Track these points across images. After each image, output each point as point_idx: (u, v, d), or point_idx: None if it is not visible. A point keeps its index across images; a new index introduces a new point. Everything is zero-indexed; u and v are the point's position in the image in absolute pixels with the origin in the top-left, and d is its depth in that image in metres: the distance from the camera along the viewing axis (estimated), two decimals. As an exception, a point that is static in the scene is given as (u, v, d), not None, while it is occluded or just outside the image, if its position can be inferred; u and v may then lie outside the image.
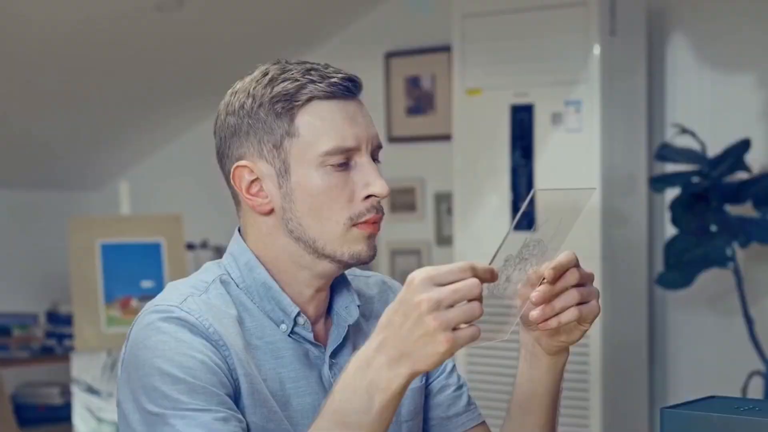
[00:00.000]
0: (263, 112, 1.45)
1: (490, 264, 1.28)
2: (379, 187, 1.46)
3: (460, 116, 4.19)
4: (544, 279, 1.37)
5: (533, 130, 4.00)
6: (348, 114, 1.46)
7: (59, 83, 4.77)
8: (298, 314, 1.49)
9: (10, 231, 5.52)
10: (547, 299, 1.37)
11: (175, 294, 1.45)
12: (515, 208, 4.05)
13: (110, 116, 5.22)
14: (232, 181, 1.49)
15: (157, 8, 4.29)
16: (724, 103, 4.08)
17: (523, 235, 1.39)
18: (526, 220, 1.39)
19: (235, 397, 1.40)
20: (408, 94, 4.92)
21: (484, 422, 1.69)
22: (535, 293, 1.36)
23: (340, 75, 1.47)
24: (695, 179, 3.74)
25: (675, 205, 3.72)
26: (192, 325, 1.40)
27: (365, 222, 1.47)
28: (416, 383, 1.60)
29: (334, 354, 1.52)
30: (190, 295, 1.45)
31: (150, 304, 1.45)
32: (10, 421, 4.49)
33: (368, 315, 1.61)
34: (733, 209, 3.76)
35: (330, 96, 1.45)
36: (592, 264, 3.91)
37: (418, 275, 1.22)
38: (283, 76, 1.46)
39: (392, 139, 4.92)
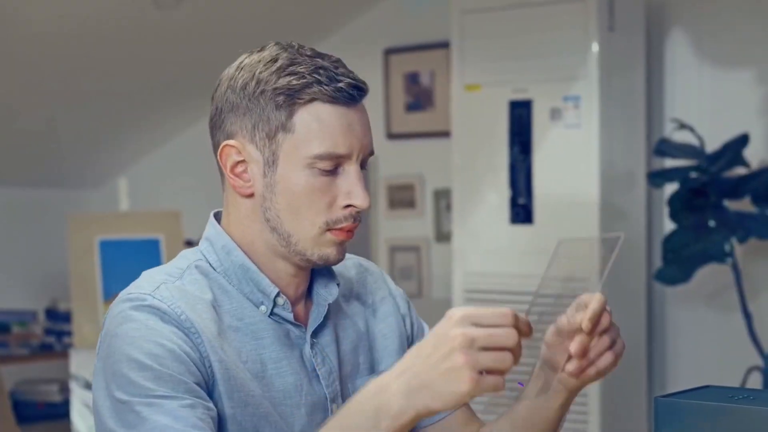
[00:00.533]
0: (264, 99, 1.45)
1: (526, 316, 1.26)
2: (360, 199, 1.46)
3: (459, 112, 4.19)
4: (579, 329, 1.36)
5: (532, 125, 4.00)
6: (347, 121, 1.45)
7: (58, 82, 4.77)
8: (278, 295, 1.49)
9: (10, 229, 5.53)
10: (587, 350, 1.37)
11: (149, 282, 1.46)
12: (514, 204, 4.04)
13: (110, 115, 5.22)
14: (218, 157, 1.49)
15: (156, 6, 4.29)
16: (722, 99, 4.08)
17: (553, 284, 1.38)
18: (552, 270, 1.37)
19: (209, 384, 1.40)
20: (407, 90, 4.92)
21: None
22: (575, 346, 1.36)
23: (347, 80, 1.46)
24: (694, 174, 3.74)
25: (673, 200, 3.72)
26: (164, 313, 1.40)
27: (340, 229, 1.47)
28: (399, 356, 1.61)
29: (315, 334, 1.53)
30: (163, 282, 1.45)
31: (123, 293, 1.45)
32: (9, 418, 4.48)
33: (348, 296, 1.62)
34: (731, 204, 3.76)
35: (333, 101, 1.45)
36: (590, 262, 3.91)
37: (457, 312, 1.21)
38: (291, 68, 1.45)
39: (391, 136, 4.93)
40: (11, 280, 5.49)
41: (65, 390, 4.94)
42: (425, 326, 1.71)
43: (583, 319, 1.34)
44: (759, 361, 3.75)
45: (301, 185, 1.45)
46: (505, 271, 4.08)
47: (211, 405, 1.38)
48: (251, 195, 1.48)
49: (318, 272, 1.56)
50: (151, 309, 1.40)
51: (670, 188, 3.87)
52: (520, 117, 4.03)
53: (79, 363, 4.22)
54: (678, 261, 3.72)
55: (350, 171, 1.46)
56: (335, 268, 1.59)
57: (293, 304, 1.52)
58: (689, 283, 3.84)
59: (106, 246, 4.30)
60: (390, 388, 1.22)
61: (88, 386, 4.17)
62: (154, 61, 4.85)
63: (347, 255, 1.63)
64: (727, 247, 3.71)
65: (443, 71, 4.69)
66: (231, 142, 1.48)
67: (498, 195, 4.08)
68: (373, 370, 1.59)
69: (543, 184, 3.99)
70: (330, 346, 1.54)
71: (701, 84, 4.13)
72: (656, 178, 3.80)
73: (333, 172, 1.46)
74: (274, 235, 1.48)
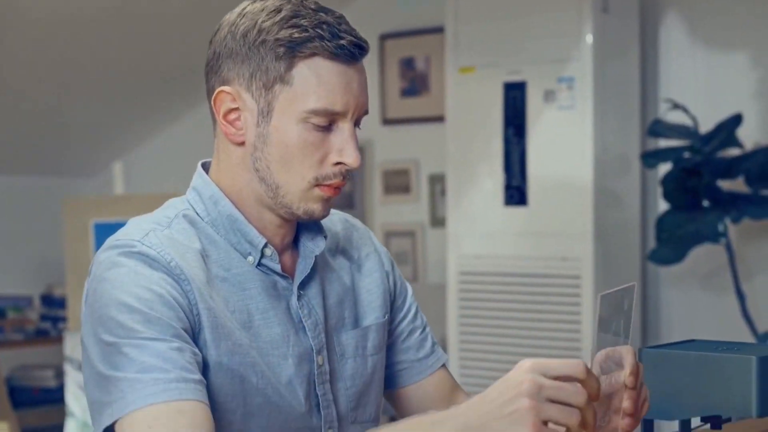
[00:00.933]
0: (264, 49, 1.44)
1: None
2: (352, 158, 1.46)
3: (453, 95, 4.19)
4: (626, 386, 1.33)
5: (526, 107, 4.00)
6: (345, 79, 1.45)
7: (53, 69, 4.77)
8: (265, 245, 1.49)
9: (7, 215, 5.53)
10: (637, 406, 1.36)
11: (137, 229, 1.45)
12: (508, 186, 4.05)
13: (105, 102, 5.22)
14: (212, 102, 1.49)
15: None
16: (717, 82, 4.08)
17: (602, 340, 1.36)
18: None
19: (196, 332, 1.40)
20: (402, 75, 4.92)
21: (445, 364, 1.71)
22: (629, 404, 1.33)
23: (349, 38, 1.46)
24: (687, 154, 3.74)
25: (667, 180, 3.72)
26: (153, 260, 1.39)
27: (328, 185, 1.47)
28: (380, 318, 1.61)
29: (302, 286, 1.53)
30: (152, 230, 1.44)
31: (110, 240, 1.44)
32: (5, 403, 4.49)
33: (334, 251, 1.62)
34: (725, 185, 3.76)
35: (333, 57, 1.44)
36: (584, 244, 3.94)
37: (528, 361, 1.18)
38: (294, 20, 1.45)
39: (387, 121, 4.93)
40: (7, 266, 5.50)
41: (60, 375, 4.94)
42: (408, 287, 1.72)
43: (626, 375, 1.33)
44: (752, 341, 3.76)
45: (294, 139, 1.44)
46: (499, 253, 4.08)
47: (197, 351, 1.37)
48: (242, 143, 1.48)
49: (305, 225, 1.56)
50: (140, 255, 1.40)
51: (664, 170, 3.87)
52: (514, 99, 4.03)
53: (74, 345, 4.22)
54: (671, 241, 3.72)
55: (344, 129, 1.46)
56: (322, 222, 1.59)
57: (280, 255, 1.52)
58: (683, 265, 3.84)
59: (101, 229, 4.30)
60: (446, 423, 1.19)
61: (81, 368, 4.17)
62: (151, 48, 4.85)
63: (333, 210, 1.63)
64: (720, 228, 3.71)
65: (438, 56, 4.69)
66: (226, 88, 1.47)
67: (492, 177, 4.09)
68: (357, 324, 1.60)
69: (537, 166, 3.99)
70: (316, 298, 1.54)
71: (695, 66, 4.13)
72: (650, 158, 3.80)
73: (327, 129, 1.46)
74: (262, 185, 1.48)
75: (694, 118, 3.77)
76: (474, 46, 4.12)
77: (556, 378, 1.17)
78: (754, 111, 3.96)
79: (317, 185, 1.47)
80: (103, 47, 4.73)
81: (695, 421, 1.70)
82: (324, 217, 1.50)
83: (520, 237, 4.02)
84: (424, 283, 4.74)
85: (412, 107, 4.89)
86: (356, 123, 1.48)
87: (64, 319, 4.91)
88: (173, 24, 4.70)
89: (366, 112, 1.49)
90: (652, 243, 4.03)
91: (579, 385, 1.17)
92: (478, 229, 4.15)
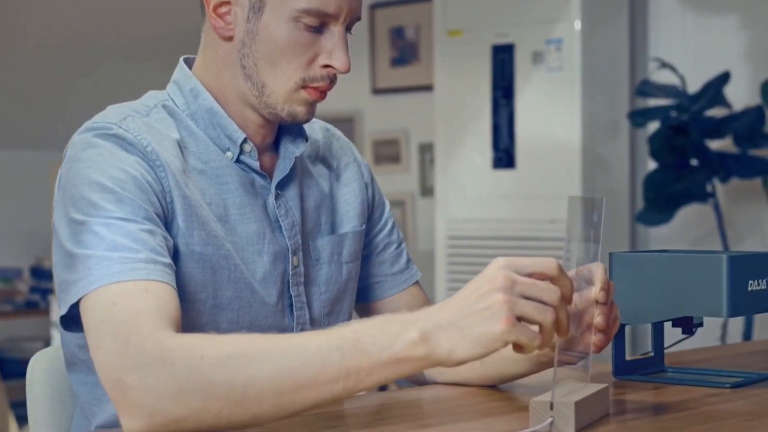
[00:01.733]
0: None
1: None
2: (341, 62, 1.44)
3: (442, 60, 4.18)
4: (596, 302, 1.30)
5: (514, 70, 3.99)
6: None
7: (42, 42, 4.76)
8: (245, 141, 1.47)
9: (-4, 188, 5.53)
10: (609, 321, 1.33)
11: (115, 113, 1.43)
12: (496, 148, 4.03)
13: (94, 75, 5.21)
14: None
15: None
16: (706, 44, 4.06)
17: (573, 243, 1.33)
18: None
19: (169, 219, 1.38)
20: (392, 45, 4.91)
21: (418, 281, 1.69)
22: (600, 320, 1.30)
23: None
24: (674, 113, 3.72)
25: (654, 139, 3.71)
26: (129, 143, 1.37)
27: (315, 88, 1.45)
28: (357, 227, 1.60)
29: (281, 186, 1.51)
30: (129, 116, 1.42)
31: (87, 123, 1.41)
32: (-7, 373, 4.48)
33: (314, 158, 1.60)
34: (713, 145, 3.74)
35: None
36: (573, 206, 3.90)
37: (502, 258, 1.16)
38: None
39: (377, 91, 4.91)
40: (-4, 238, 5.49)
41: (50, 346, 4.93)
42: (386, 203, 1.70)
43: (596, 291, 1.30)
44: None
45: (284, 38, 1.42)
46: (487, 217, 4.07)
47: (169, 237, 1.36)
48: (230, 38, 1.45)
49: (286, 128, 1.54)
50: (116, 138, 1.37)
51: (653, 131, 3.85)
52: (503, 61, 4.02)
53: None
54: (659, 201, 3.70)
55: (335, 32, 1.44)
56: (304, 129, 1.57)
57: (259, 153, 1.50)
58: (672, 228, 3.82)
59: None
60: (418, 320, 1.16)
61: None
62: (148, 22, 4.84)
63: (315, 119, 1.62)
64: (708, 188, 3.70)
65: (428, 24, 4.68)
66: None
67: (480, 140, 4.07)
68: (333, 231, 1.58)
69: (525, 129, 3.97)
70: (294, 200, 1.52)
71: (684, 29, 4.12)
72: (637, 117, 3.79)
73: (318, 30, 1.43)
74: (248, 83, 1.45)
75: (682, 78, 3.76)
76: (462, 8, 4.11)
77: (529, 275, 1.15)
78: (742, 72, 3.94)
79: (303, 87, 1.44)
80: (99, 20, 4.71)
81: (669, 334, 1.68)
82: (307, 120, 1.48)
83: (508, 200, 4.01)
84: (414, 252, 4.72)
85: (402, 77, 4.88)
86: (348, 28, 1.46)
87: (53, 291, 4.90)
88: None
89: (358, 18, 1.47)
90: (641, 207, 4.01)
91: (551, 284, 1.15)
92: (467, 193, 4.13)
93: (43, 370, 1.57)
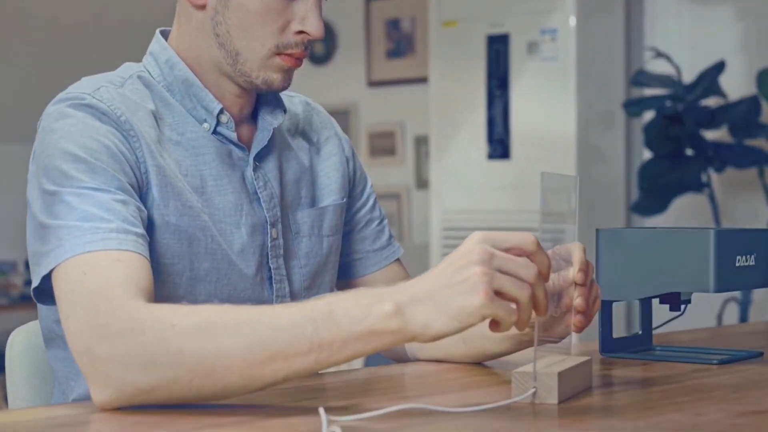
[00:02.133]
0: None
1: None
2: (315, 27, 1.43)
3: (437, 51, 4.17)
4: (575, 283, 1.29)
5: (509, 60, 3.97)
6: None
7: (28, 35, 4.75)
8: (221, 112, 1.46)
9: (-9, 181, 5.51)
10: (588, 302, 1.32)
11: (89, 84, 1.41)
12: (491, 139, 4.02)
13: (80, 67, 5.19)
14: None
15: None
16: (701, 35, 4.05)
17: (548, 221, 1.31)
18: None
19: (144, 190, 1.36)
20: (388, 37, 4.89)
21: (400, 259, 1.68)
22: (580, 302, 1.29)
23: None
24: (669, 103, 3.71)
25: (649, 128, 3.69)
26: (102, 113, 1.36)
27: (289, 54, 1.44)
28: (338, 201, 1.58)
29: (259, 158, 1.49)
30: (103, 86, 1.41)
31: (61, 94, 1.40)
32: (-12, 366, 4.47)
33: (293, 131, 1.59)
34: (708, 134, 3.73)
35: None
36: (569, 197, 3.89)
37: (480, 232, 1.15)
38: None
39: (372, 83, 4.90)
40: (-9, 231, 5.48)
41: (44, 339, 4.92)
42: (368, 179, 1.69)
43: (574, 272, 1.29)
44: (735, 293, 3.73)
45: (257, 4, 1.41)
46: (482, 208, 4.05)
47: (143, 208, 1.34)
48: (203, 6, 1.44)
49: (264, 99, 1.53)
50: (89, 108, 1.36)
51: (648, 120, 3.84)
52: (498, 52, 4.00)
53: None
54: (654, 190, 3.69)
55: None
56: (284, 102, 1.56)
57: (237, 125, 1.49)
58: (668, 218, 3.80)
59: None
60: (393, 293, 1.13)
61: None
62: (132, 15, 4.83)
63: (295, 93, 1.60)
64: (704, 177, 3.68)
65: (423, 16, 4.66)
66: None
67: (475, 131, 4.06)
68: (314, 204, 1.57)
69: (520, 119, 3.96)
70: (273, 172, 1.51)
71: (680, 18, 4.10)
72: (632, 106, 3.78)
73: None
74: (222, 51, 1.44)
75: (677, 67, 3.74)
76: (457, -1, 4.09)
77: (507, 250, 1.14)
78: (738, 62, 3.93)
79: (278, 53, 1.43)
80: (79, 10, 4.70)
81: (660, 315, 1.67)
82: (284, 88, 1.47)
83: (503, 191, 3.99)
84: (410, 245, 4.70)
85: (397, 69, 4.87)
86: None
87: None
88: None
89: None
90: (636, 197, 3.99)
91: (529, 261, 1.13)
92: (462, 184, 4.12)
93: (22, 345, 1.56)
